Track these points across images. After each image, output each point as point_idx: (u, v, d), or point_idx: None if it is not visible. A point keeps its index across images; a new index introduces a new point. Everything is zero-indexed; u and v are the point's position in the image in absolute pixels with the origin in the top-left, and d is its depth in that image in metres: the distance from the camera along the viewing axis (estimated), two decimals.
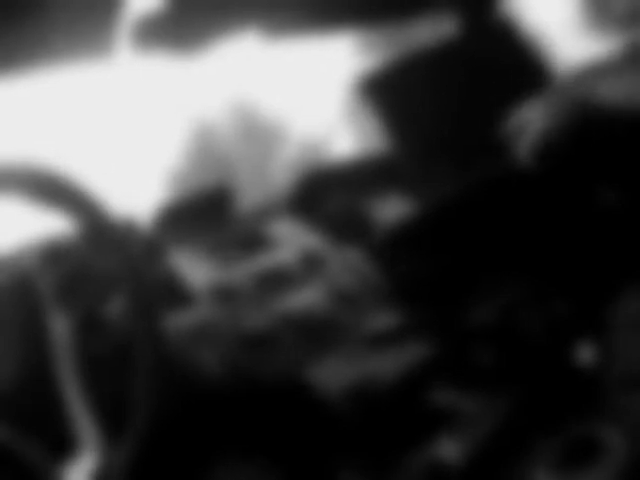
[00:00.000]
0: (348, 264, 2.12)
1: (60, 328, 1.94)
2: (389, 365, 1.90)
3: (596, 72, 1.90)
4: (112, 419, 1.71)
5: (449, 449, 1.76)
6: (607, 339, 1.76)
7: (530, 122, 1.95)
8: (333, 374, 1.91)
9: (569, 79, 2.08)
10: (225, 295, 2.05)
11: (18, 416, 1.79)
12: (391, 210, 2.24)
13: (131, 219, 2.25)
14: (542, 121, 1.93)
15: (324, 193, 2.35)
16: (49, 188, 1.57)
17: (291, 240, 2.18)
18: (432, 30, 2.58)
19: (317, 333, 2.00)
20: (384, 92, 2.29)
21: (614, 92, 1.83)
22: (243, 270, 2.10)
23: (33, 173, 1.57)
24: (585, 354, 1.82)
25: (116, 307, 1.97)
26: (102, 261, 1.99)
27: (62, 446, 1.75)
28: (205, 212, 2.33)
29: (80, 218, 1.59)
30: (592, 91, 1.86)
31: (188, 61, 2.48)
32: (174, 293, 2.05)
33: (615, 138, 1.87)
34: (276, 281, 2.09)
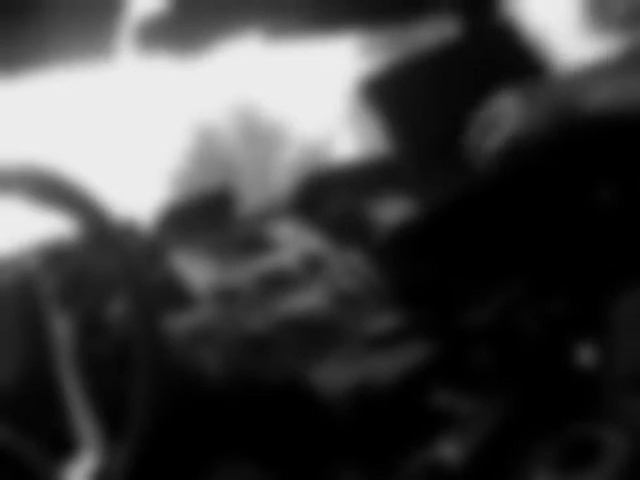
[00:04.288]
0: (349, 266, 2.12)
1: (61, 330, 1.94)
2: (389, 367, 1.90)
3: (591, 73, 1.87)
4: (113, 420, 1.71)
5: (449, 450, 1.76)
6: (607, 340, 1.76)
7: (501, 119, 1.89)
8: (333, 376, 1.91)
9: (557, 79, 2.05)
10: (226, 297, 2.06)
11: (19, 416, 1.80)
12: (392, 213, 2.24)
13: (133, 221, 2.25)
14: (515, 119, 1.85)
15: (325, 195, 2.36)
16: (50, 190, 1.57)
17: (292, 242, 2.18)
18: (434, 33, 2.58)
19: (318, 335, 2.00)
20: (386, 95, 2.28)
21: (605, 93, 1.79)
22: (244, 272, 2.11)
23: (35, 175, 1.57)
24: (585, 355, 1.82)
25: (117, 309, 1.98)
26: (104, 263, 2.00)
27: (62, 446, 1.76)
28: (206, 214, 2.33)
29: (82, 220, 1.59)
30: (580, 92, 1.81)
31: (190, 63, 2.49)
32: (175, 295, 2.05)
33: (606, 138, 1.84)
34: (277, 283, 2.09)
